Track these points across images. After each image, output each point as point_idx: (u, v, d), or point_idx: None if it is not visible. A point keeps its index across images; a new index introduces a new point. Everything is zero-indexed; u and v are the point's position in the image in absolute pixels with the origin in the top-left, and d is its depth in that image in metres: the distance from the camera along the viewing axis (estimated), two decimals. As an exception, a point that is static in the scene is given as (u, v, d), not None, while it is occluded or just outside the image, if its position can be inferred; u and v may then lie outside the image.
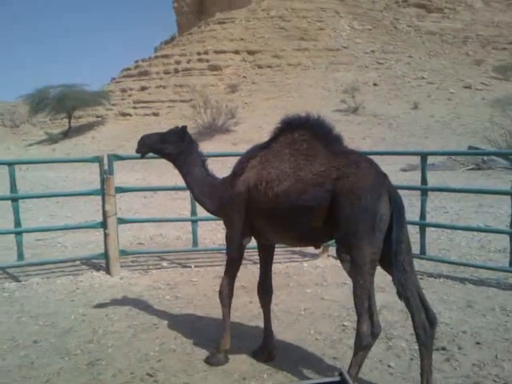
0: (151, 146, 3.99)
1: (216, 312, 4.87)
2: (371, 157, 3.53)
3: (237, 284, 5.65)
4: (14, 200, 5.79)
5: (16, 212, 5.78)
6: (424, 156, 5.93)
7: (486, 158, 17.85)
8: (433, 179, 13.59)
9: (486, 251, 7.02)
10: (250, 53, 43.06)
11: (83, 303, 5.19)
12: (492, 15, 54.30)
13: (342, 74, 40.00)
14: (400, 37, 48.89)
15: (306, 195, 3.22)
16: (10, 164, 5.72)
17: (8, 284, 5.86)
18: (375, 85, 39.20)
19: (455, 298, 5.14)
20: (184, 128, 3.96)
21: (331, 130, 3.50)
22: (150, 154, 4.15)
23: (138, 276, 6.16)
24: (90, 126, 38.88)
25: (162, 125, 35.02)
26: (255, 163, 3.58)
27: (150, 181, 17.21)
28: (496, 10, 55.39)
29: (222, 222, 8.59)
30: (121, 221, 6.16)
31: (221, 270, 6.28)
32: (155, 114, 38.61)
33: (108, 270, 6.13)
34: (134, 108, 40.38)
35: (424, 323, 3.18)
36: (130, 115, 39.58)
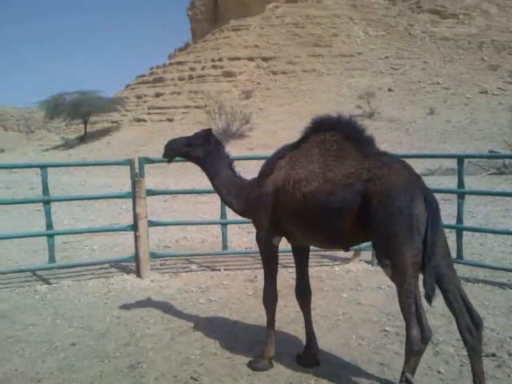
0: (178, 150, 3.99)
1: (251, 316, 4.81)
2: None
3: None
4: (47, 203, 5.77)
5: (48, 214, 5.76)
6: (461, 159, 5.82)
7: (507, 162, 17.64)
8: (452, 183, 13.47)
9: (519, 256, 6.86)
10: (265, 59, 43.14)
11: (117, 306, 5.14)
12: (507, 20, 53.87)
13: (356, 80, 39.90)
14: (414, 42, 48.67)
15: (334, 196, 3.15)
16: (43, 167, 5.71)
17: (39, 286, 5.83)
18: (390, 90, 39.02)
19: (496, 304, 5.01)
20: (209, 130, 3.95)
21: (363, 131, 3.44)
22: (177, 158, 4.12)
23: (168, 279, 6.10)
24: (105, 132, 39.11)
25: (176, 130, 35.14)
26: (284, 163, 3.53)
27: (168, 185, 17.16)
28: (511, 16, 54.95)
29: (246, 226, 8.54)
30: (151, 223, 6.11)
31: (250, 273, 6.27)
32: (169, 120, 38.74)
33: (138, 273, 6.09)
34: (149, 114, 40.56)
35: (469, 326, 3.08)
36: (144, 121, 39.74)
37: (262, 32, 46.37)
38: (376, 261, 6.45)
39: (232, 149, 29.38)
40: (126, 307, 5.08)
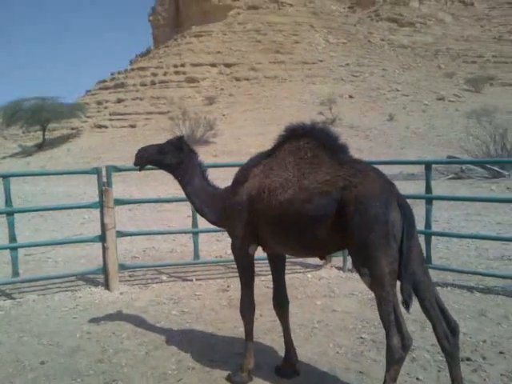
0: (149, 157, 3.88)
1: (227, 327, 4.74)
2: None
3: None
4: (10, 214, 5.53)
5: (11, 226, 5.53)
6: (428, 165, 5.93)
7: (464, 167, 18.21)
8: (414, 188, 13.76)
9: (484, 259, 7.04)
10: (227, 65, 43.25)
11: (86, 320, 4.96)
12: (461, 30, 55.91)
13: (318, 87, 40.47)
14: (374, 50, 49.84)
15: (311, 204, 3.13)
16: (5, 176, 5.48)
17: (2, 302, 5.57)
18: (351, 97, 39.78)
19: (466, 307, 5.10)
20: (181, 138, 3.89)
21: (337, 138, 3.43)
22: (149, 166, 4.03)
23: (138, 291, 5.95)
24: (64, 139, 38.26)
25: (139, 137, 34.77)
26: (258, 171, 3.49)
27: (130, 193, 16.85)
28: (465, 25, 57.06)
29: (215, 234, 8.45)
30: (120, 234, 5.95)
31: (223, 282, 6.20)
32: (132, 126, 38.28)
33: (107, 285, 5.91)
34: (110, 120, 39.98)
35: (446, 332, 3.14)
36: (105, 127, 39.14)
37: (224, 38, 46.49)
38: (347, 267, 6.50)
39: (196, 155, 29.29)
40: (96, 322, 4.92)
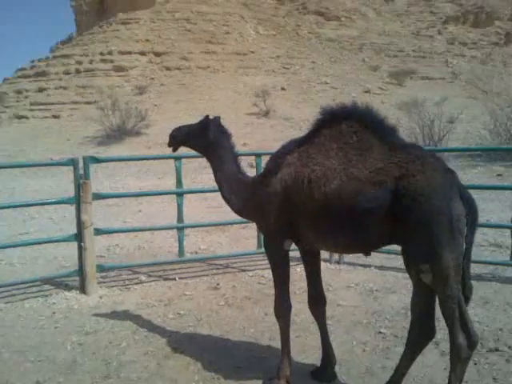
0: (180, 139, 3.67)
1: (236, 329, 4.41)
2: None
3: (238, 295, 5.25)
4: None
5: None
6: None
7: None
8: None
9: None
10: (157, 54, 41.87)
11: (72, 330, 4.40)
12: (383, 24, 57.91)
13: (251, 78, 40.31)
14: (303, 43, 50.40)
15: (363, 195, 2.83)
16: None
17: (-38, 314, 4.85)
18: (283, 89, 39.97)
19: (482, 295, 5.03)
20: (207, 119, 3.57)
21: (383, 120, 3.10)
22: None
23: (119, 293, 5.42)
24: (-20, 131, 35.34)
25: (65, 128, 32.91)
26: (293, 160, 3.16)
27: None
28: (387, 20, 59.21)
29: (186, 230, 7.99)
30: (98, 231, 5.38)
31: (210, 280, 5.81)
32: (56, 117, 36.06)
33: (83, 289, 5.32)
34: (31, 110, 37.41)
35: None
36: (26, 118, 36.57)
37: (153, 26, 44.99)
38: (334, 259, 6.32)
39: (127, 147, 28.10)
40: (84, 331, 4.38)
